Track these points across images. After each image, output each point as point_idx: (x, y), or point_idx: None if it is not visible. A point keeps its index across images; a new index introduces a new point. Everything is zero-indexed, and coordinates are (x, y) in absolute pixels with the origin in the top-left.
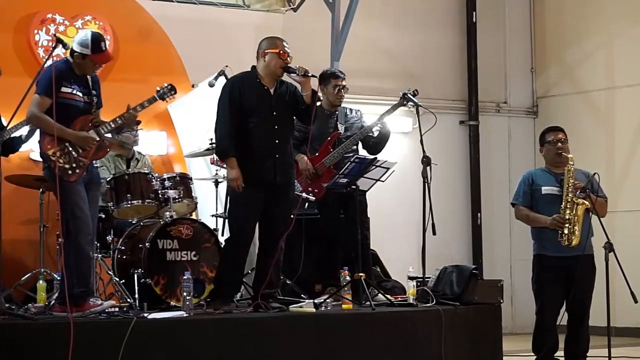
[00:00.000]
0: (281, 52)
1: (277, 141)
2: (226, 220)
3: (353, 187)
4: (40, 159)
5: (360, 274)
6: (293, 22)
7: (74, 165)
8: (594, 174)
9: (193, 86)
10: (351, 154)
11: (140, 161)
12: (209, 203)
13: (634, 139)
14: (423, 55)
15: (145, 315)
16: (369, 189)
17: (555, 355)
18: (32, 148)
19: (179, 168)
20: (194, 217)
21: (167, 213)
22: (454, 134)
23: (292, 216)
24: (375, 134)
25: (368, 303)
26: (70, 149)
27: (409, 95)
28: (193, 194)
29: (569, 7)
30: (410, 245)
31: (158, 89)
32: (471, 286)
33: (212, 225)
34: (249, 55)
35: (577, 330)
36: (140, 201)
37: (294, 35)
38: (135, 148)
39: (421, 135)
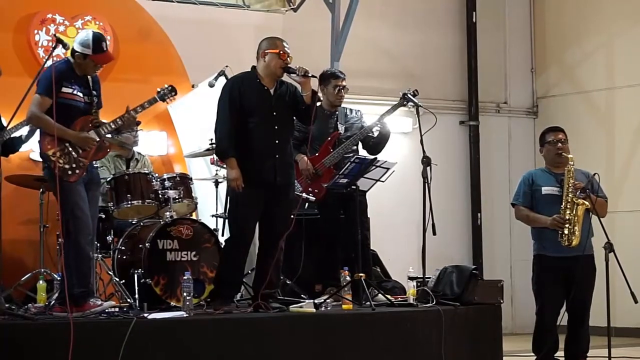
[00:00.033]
0: (281, 52)
1: (277, 141)
2: (226, 221)
3: (353, 187)
4: (40, 159)
5: (361, 274)
6: (293, 22)
7: (74, 165)
8: (594, 174)
9: (193, 86)
10: (351, 154)
11: (140, 161)
12: (209, 203)
13: (634, 139)
14: (423, 56)
15: (146, 315)
16: (369, 189)
17: (556, 355)
18: (32, 148)
19: (179, 168)
20: (194, 217)
21: (167, 213)
22: (454, 134)
23: (292, 216)
24: (375, 134)
25: (368, 303)
26: (70, 149)
27: (409, 95)
28: (193, 194)
29: (569, 7)
30: (410, 246)
31: (158, 90)
32: (471, 286)
33: (212, 226)
34: (249, 55)
35: (577, 330)
36: (140, 201)
37: (294, 36)
38: (135, 148)
39: (421, 136)
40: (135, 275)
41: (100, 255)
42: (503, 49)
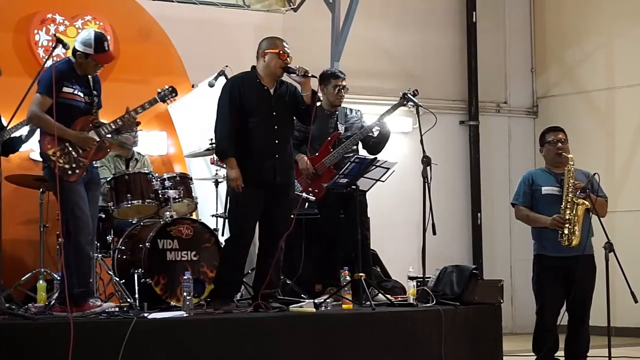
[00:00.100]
0: (281, 52)
1: (277, 141)
2: (226, 221)
3: (353, 187)
4: (40, 159)
5: (361, 274)
6: (293, 22)
7: (74, 165)
8: (594, 174)
9: (193, 86)
10: (351, 154)
11: (140, 161)
12: (209, 203)
13: (634, 139)
14: (423, 55)
15: (146, 315)
16: (369, 189)
17: (556, 355)
18: (32, 148)
19: (179, 168)
20: (194, 217)
21: (167, 213)
22: (454, 134)
23: (292, 216)
24: (375, 134)
25: (368, 303)
26: (70, 149)
27: (409, 95)
28: (193, 194)
29: (569, 7)
30: (410, 245)
31: (159, 90)
32: (471, 286)
33: (212, 225)
34: (249, 55)
35: (577, 330)
36: (140, 201)
37: (294, 36)
38: (135, 148)
39: (421, 136)
40: (135, 275)
41: (100, 255)
42: (503, 48)
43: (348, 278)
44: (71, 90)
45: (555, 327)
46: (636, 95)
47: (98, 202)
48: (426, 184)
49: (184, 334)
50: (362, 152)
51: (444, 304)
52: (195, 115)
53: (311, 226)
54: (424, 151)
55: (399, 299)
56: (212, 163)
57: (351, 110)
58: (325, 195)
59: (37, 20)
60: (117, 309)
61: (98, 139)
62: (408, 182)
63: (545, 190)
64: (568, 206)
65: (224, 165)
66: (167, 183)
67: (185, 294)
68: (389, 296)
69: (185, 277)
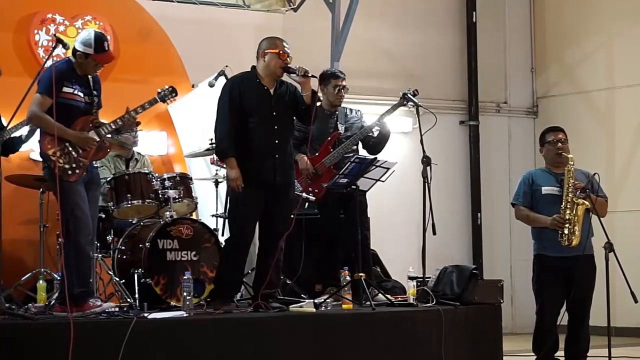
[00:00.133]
0: (281, 52)
1: (276, 141)
2: (226, 221)
3: (353, 187)
4: (40, 159)
5: (361, 274)
6: (293, 22)
7: (74, 165)
8: (594, 174)
9: (193, 86)
10: (351, 154)
11: (140, 161)
12: (209, 203)
13: (634, 139)
14: (423, 55)
15: (146, 315)
16: (369, 189)
17: (556, 355)
18: (32, 148)
19: (179, 168)
20: (194, 217)
21: (167, 213)
22: (454, 134)
23: (292, 216)
24: (375, 134)
25: (368, 303)
26: (70, 149)
27: (409, 95)
28: (193, 194)
29: (569, 7)
30: (410, 245)
31: (159, 90)
32: (471, 286)
33: (212, 225)
34: (249, 55)
35: (577, 330)
36: (140, 201)
37: (294, 36)
38: (135, 148)
39: (421, 135)
40: (135, 275)
41: (100, 255)
42: (503, 48)
43: (348, 278)
44: (71, 90)
45: (555, 327)
46: (636, 95)
47: (98, 202)
48: (426, 184)
49: (184, 334)
50: (362, 152)
51: (444, 304)
52: (195, 115)
53: (311, 226)
54: (424, 151)
55: (399, 299)
56: (212, 163)
57: (351, 110)
58: (325, 195)
59: (37, 20)
60: (117, 309)
61: (98, 139)
62: (408, 182)
63: (545, 190)
64: (568, 206)
65: (224, 165)
66: (167, 183)
67: (185, 294)
68: (389, 296)
69: (185, 277)
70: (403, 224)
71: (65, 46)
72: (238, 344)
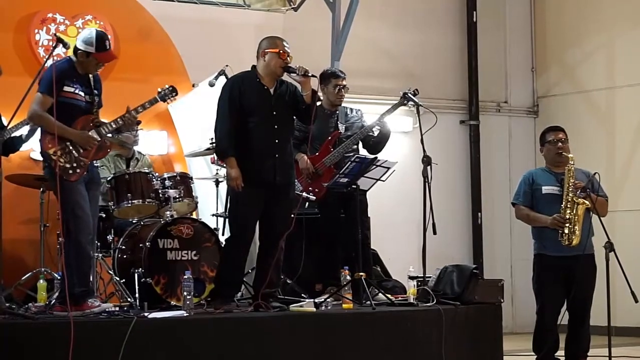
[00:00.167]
0: (281, 51)
1: (277, 141)
2: (226, 220)
3: (353, 186)
4: (41, 158)
5: (361, 274)
6: (293, 22)
7: (75, 164)
8: (595, 173)
9: (193, 86)
10: (351, 154)
11: (140, 161)
12: (210, 202)
13: (634, 138)
14: (423, 55)
15: (146, 314)
16: (369, 189)
17: (556, 355)
18: (32, 147)
19: (179, 167)
20: (194, 216)
21: (168, 212)
22: (454, 133)
23: (292, 216)
24: (376, 133)
25: (368, 302)
26: (71, 148)
27: (409, 94)
28: (193, 194)
29: (570, 7)
30: (410, 245)
31: (159, 90)
32: (472, 286)
33: (212, 225)
34: (249, 55)
35: (577, 330)
36: (140, 200)
37: (295, 35)
38: (136, 148)
39: (421, 135)
40: (136, 275)
41: (100, 255)
42: (503, 48)
43: (348, 277)
44: (72, 90)
45: (555, 326)
46: (636, 94)
47: (98, 202)
48: (426, 184)
49: (184, 333)
50: (363, 152)
51: (445, 304)
52: (196, 115)
53: (311, 226)
54: (424, 151)
55: (400, 298)
56: (212, 162)
57: (351, 109)
58: (326, 194)
59: (38, 20)
60: (116, 309)
61: (99, 138)
62: (408, 182)
63: (546, 189)
64: (568, 206)
65: (224, 165)
66: (167, 182)
67: (185, 293)
68: (389, 296)
69: (185, 277)
70: (403, 224)
71: (65, 46)
72: (238, 344)
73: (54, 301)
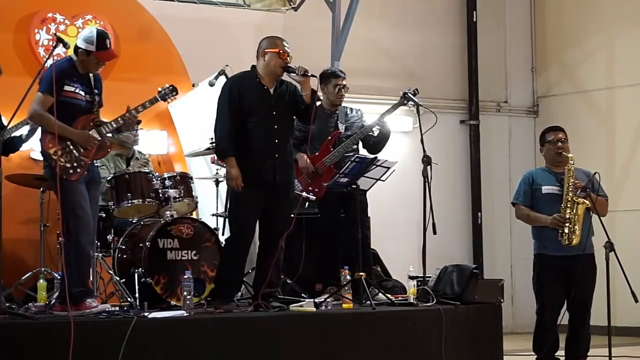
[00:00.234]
0: (281, 51)
1: (276, 141)
2: (226, 220)
3: (353, 186)
4: (41, 158)
5: (361, 274)
6: (293, 22)
7: (75, 164)
8: (595, 173)
9: (193, 85)
10: (351, 154)
11: (140, 160)
12: (210, 202)
13: (634, 138)
14: (423, 55)
15: (146, 314)
16: (369, 189)
17: (556, 354)
18: (32, 147)
19: (179, 167)
20: (194, 216)
21: (168, 212)
22: (454, 133)
23: (292, 215)
24: (376, 133)
25: (368, 302)
26: (72, 147)
27: (409, 94)
28: (193, 193)
29: (570, 7)
30: (410, 245)
31: (159, 89)
32: (472, 285)
33: (212, 225)
34: (249, 54)
35: (577, 329)
36: (140, 200)
37: (294, 35)
38: (136, 147)
39: (422, 135)
40: (136, 274)
41: (100, 254)
42: (503, 48)
43: (348, 277)
44: (72, 89)
45: (555, 326)
46: (636, 94)
47: (98, 201)
48: (426, 184)
49: (184, 333)
50: (363, 152)
51: (445, 304)
52: (196, 115)
53: (311, 225)
54: (424, 150)
55: (400, 298)
56: (212, 162)
57: (351, 109)
58: (326, 194)
59: (38, 20)
60: (116, 309)
61: (99, 138)
62: (408, 182)
63: (546, 189)
64: (568, 205)
65: (224, 165)
66: (167, 182)
67: (185, 293)
68: (389, 295)
69: (185, 277)
70: (403, 224)
71: (65, 45)
72: (238, 344)
73: (54, 301)
